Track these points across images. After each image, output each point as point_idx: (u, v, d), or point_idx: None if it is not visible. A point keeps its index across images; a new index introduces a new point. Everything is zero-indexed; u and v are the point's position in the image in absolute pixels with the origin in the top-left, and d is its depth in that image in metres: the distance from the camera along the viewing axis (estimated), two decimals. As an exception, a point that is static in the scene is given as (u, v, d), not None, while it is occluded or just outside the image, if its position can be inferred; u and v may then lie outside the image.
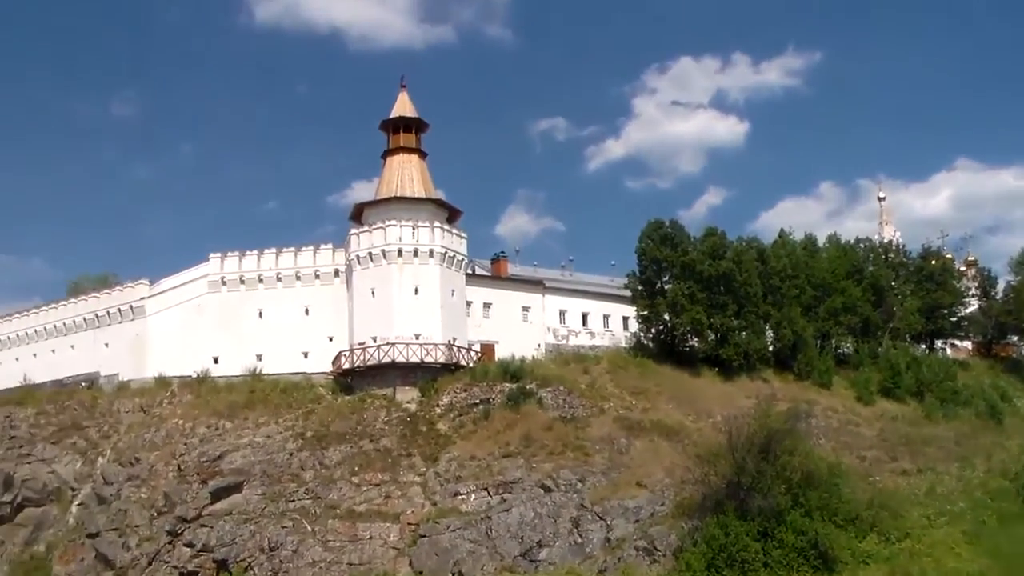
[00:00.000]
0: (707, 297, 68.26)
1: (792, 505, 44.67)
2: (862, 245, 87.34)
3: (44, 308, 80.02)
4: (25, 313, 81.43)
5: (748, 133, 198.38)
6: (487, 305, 69.35)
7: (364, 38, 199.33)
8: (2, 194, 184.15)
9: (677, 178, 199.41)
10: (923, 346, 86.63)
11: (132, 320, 71.94)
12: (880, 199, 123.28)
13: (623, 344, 72.60)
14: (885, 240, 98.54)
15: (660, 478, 51.54)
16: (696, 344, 69.89)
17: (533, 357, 67.13)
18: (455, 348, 63.74)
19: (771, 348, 72.88)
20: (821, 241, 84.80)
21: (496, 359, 65.49)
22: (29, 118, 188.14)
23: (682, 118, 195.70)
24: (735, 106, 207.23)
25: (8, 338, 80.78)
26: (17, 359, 79.12)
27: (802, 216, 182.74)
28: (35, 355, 78.17)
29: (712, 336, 69.32)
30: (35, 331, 78.99)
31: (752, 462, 45.66)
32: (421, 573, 48.95)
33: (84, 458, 64.30)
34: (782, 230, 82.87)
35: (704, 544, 44.92)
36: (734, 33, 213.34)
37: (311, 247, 69.96)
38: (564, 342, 71.93)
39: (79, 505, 61.25)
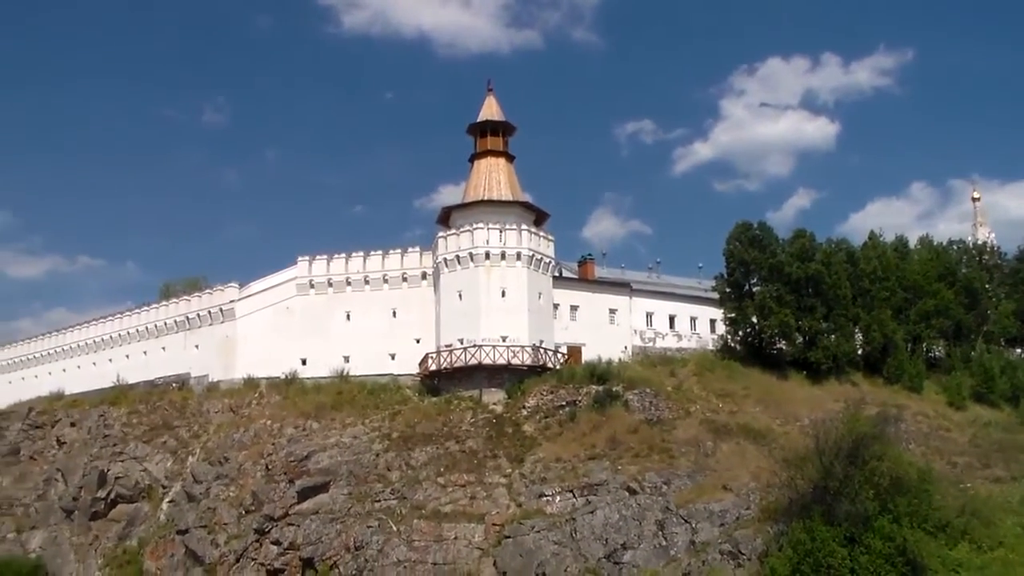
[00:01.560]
0: (795, 299, 67.68)
1: (880, 511, 43.76)
2: (955, 247, 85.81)
3: (137, 311, 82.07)
4: (119, 316, 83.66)
5: (838, 134, 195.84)
6: (574, 307, 69.21)
7: (451, 44, 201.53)
8: (97, 200, 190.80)
9: (765, 180, 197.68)
10: (1018, 350, 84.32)
11: (222, 322, 73.46)
12: (974, 199, 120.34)
13: (710, 347, 72.22)
14: (979, 241, 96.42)
15: (746, 482, 50.92)
16: (784, 347, 69.29)
17: (620, 359, 66.99)
18: (542, 350, 63.78)
19: (860, 351, 71.92)
20: (912, 243, 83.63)
21: (583, 361, 65.39)
22: (123, 125, 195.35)
23: (771, 119, 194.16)
24: (825, 107, 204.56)
25: (102, 340, 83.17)
26: (111, 360, 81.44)
27: (893, 218, 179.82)
28: (128, 356, 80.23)
29: (800, 339, 68.65)
30: (128, 333, 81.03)
31: (840, 466, 44.90)
32: (505, 574, 48.97)
33: (175, 457, 65.94)
34: (872, 232, 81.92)
35: (790, 549, 44.19)
36: (824, 32, 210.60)
37: (398, 250, 70.56)
38: (651, 344, 71.62)
39: (170, 502, 62.87)
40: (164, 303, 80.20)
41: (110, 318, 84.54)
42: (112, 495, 65.30)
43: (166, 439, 67.57)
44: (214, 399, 69.37)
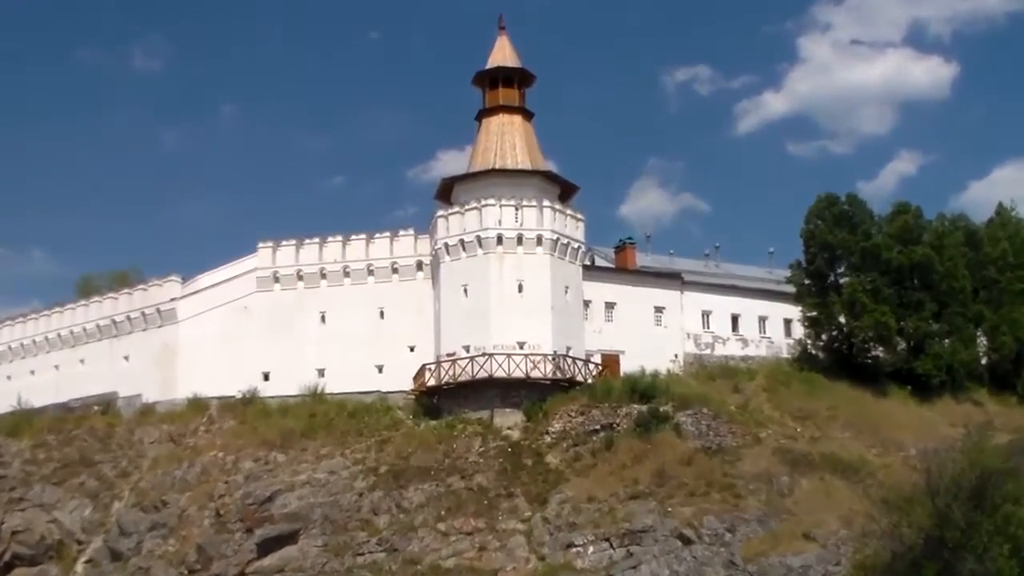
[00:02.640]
0: (896, 294, 67.86)
1: (1020, 572, 42.75)
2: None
3: (46, 313, 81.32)
4: (21, 319, 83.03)
5: (955, 78, 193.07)
6: (610, 305, 69.27)
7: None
8: None
9: (857, 140, 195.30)
10: None
11: (159, 327, 72.94)
12: None
13: (784, 354, 72.58)
14: None
15: (834, 529, 50.36)
16: (881, 355, 69.29)
17: (668, 371, 67.04)
18: (569, 360, 63.54)
19: (985, 361, 72.12)
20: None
21: (621, 373, 65.31)
22: (25, 74, 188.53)
23: (865, 61, 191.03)
24: (938, 43, 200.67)
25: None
26: (9, 377, 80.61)
27: None
28: (32, 372, 79.65)
29: (903, 344, 68.80)
30: (34, 342, 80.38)
31: (960, 511, 43.78)
32: (525, 649, 48.99)
33: (95, 502, 64.82)
34: (1001, 205, 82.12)
35: (895, 619, 43.47)
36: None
37: (387, 234, 70.71)
38: (708, 352, 71.83)
39: (87, 563, 61.86)
40: (83, 302, 79.52)
41: (8, 322, 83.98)
42: (8, 555, 64.02)
43: (84, 480, 66.50)
44: (149, 426, 68.75)
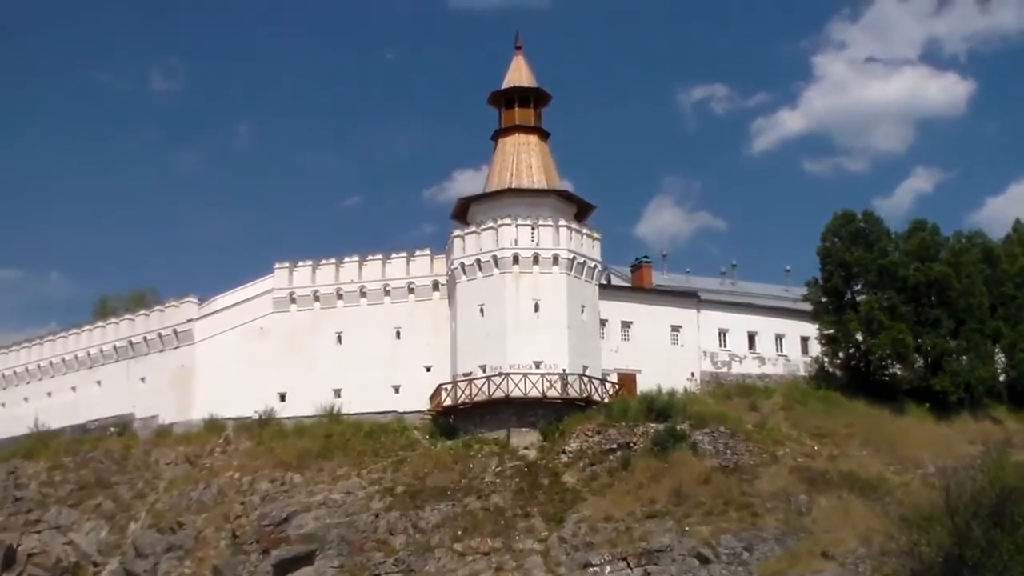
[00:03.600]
0: (914, 311, 67.52)
1: None
2: None
3: (63, 335, 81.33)
4: (38, 341, 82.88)
5: (972, 95, 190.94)
6: (626, 324, 69.11)
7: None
8: (11, 191, 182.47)
9: (873, 157, 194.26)
10: None
11: (176, 348, 72.90)
12: None
13: (802, 372, 72.22)
14: None
15: (853, 547, 50.11)
16: (899, 372, 69.04)
17: (685, 390, 66.77)
18: (586, 379, 63.32)
19: (1003, 377, 71.64)
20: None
21: (638, 392, 64.96)
22: (44, 95, 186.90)
23: (881, 79, 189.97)
24: (954, 60, 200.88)
25: (16, 373, 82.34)
26: (27, 399, 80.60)
27: None
28: (50, 394, 79.47)
29: (921, 362, 68.56)
30: (51, 364, 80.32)
31: (980, 529, 43.52)
32: (542, 669, 48.66)
33: (111, 524, 64.76)
34: (1018, 221, 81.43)
35: (915, 639, 43.12)
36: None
37: (403, 254, 70.50)
38: (725, 370, 71.48)
39: (103, 585, 61.99)
40: (100, 324, 79.43)
41: (26, 344, 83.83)
42: (24, 578, 64.51)
43: (100, 501, 66.42)
44: (165, 447, 68.77)
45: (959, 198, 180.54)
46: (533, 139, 70.00)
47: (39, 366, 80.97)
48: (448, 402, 63.54)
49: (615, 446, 59.16)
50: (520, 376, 61.63)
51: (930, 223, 71.26)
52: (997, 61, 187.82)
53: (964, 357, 68.21)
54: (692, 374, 69.37)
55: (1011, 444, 56.36)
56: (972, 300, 68.14)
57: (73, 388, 78.18)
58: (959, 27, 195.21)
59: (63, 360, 79.46)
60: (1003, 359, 71.73)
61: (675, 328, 70.43)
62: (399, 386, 67.07)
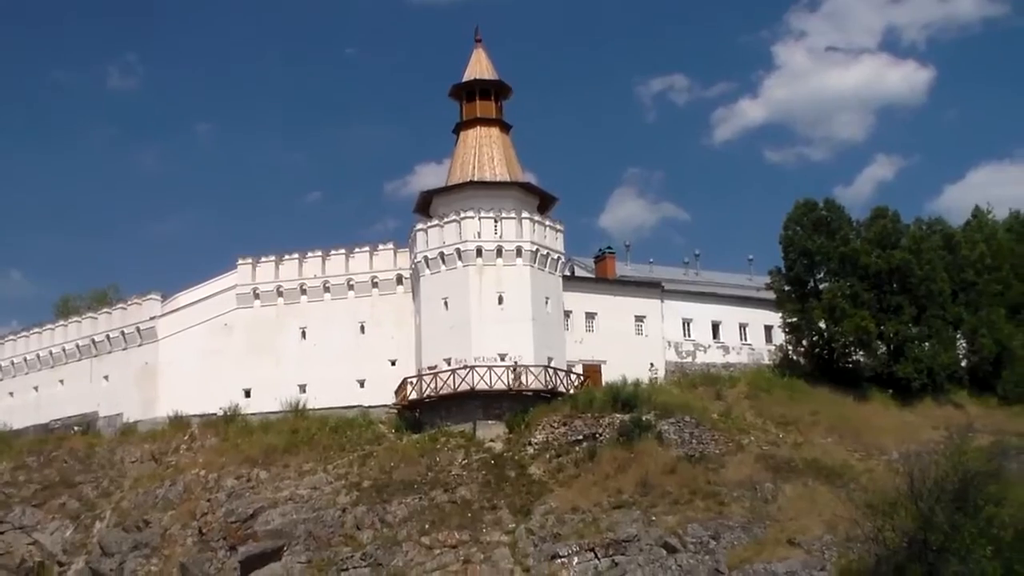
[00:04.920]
0: (876, 298, 67.75)
1: (1004, 573, 42.83)
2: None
3: (24, 334, 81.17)
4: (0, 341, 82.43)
5: (931, 83, 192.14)
6: (590, 315, 69.27)
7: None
8: None
9: (834, 146, 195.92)
10: None
11: (140, 346, 72.81)
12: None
13: (766, 361, 72.46)
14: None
15: (818, 534, 50.34)
16: (862, 359, 69.27)
17: (650, 380, 66.69)
18: (551, 371, 63.41)
19: (965, 363, 71.96)
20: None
21: (603, 383, 65.17)
22: (1, 94, 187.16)
23: (841, 67, 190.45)
24: (914, 48, 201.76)
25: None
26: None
27: (1005, 188, 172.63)
28: (12, 394, 79.44)
29: (883, 348, 68.58)
30: (12, 363, 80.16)
31: (944, 514, 43.96)
32: (511, 660, 48.74)
33: (76, 523, 64.43)
34: (977, 207, 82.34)
35: (881, 623, 43.39)
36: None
37: (366, 248, 70.66)
38: (689, 360, 71.68)
39: (69, 584, 61.57)
40: (62, 322, 79.36)
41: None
42: (-13, 579, 64.16)
43: (64, 500, 66.17)
44: (130, 445, 68.52)
45: (919, 185, 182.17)
46: (495, 132, 70.01)
47: (1, 366, 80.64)
48: (414, 396, 63.45)
49: (581, 437, 59.17)
50: (486, 369, 61.69)
51: (891, 210, 71.58)
52: (956, 49, 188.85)
53: (926, 343, 68.46)
54: (652, 364, 69.23)
55: (973, 429, 56.61)
56: (933, 287, 68.39)
57: (36, 388, 78.04)
58: (917, 15, 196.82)
59: (25, 360, 79.31)
60: (964, 345, 72.05)
61: (639, 319, 70.65)
62: (364, 380, 67.10)
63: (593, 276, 75.33)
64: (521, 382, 62.05)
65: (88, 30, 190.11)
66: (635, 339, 70.01)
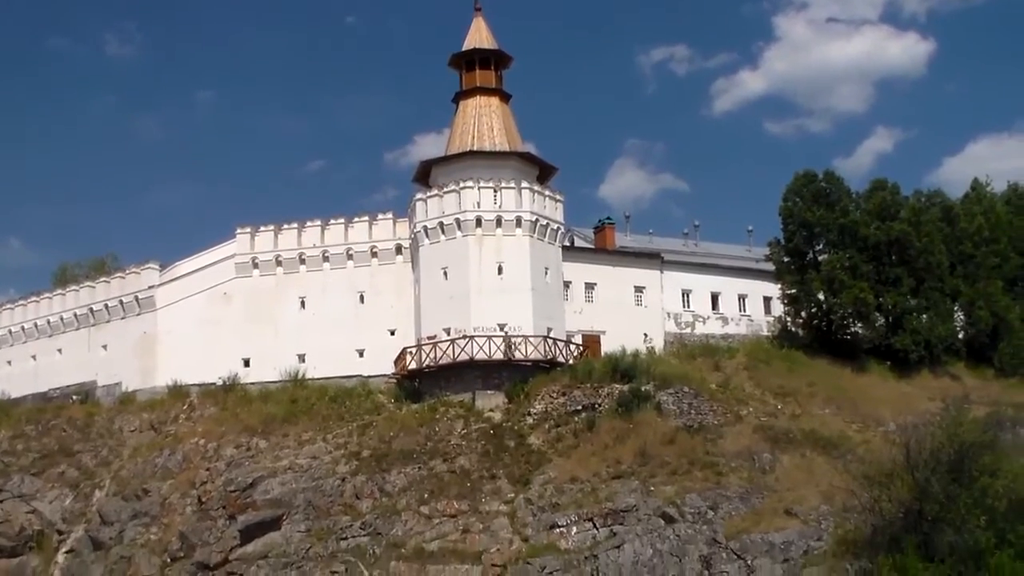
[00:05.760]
0: (874, 270, 67.99)
1: (997, 543, 42.69)
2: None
3: (22, 303, 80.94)
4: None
5: (932, 55, 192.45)
6: (590, 286, 69.45)
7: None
8: None
9: (834, 118, 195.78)
10: None
11: (138, 315, 72.73)
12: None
13: (764, 332, 72.80)
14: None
15: (815, 505, 50.36)
16: (860, 331, 69.47)
17: (649, 350, 67.01)
18: (550, 341, 63.51)
19: (962, 335, 72.23)
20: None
21: (602, 354, 65.42)
22: None
23: (842, 38, 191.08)
24: (914, 19, 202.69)
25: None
26: (-13, 369, 79.96)
27: (1004, 161, 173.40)
28: (10, 363, 79.40)
29: (882, 320, 68.82)
30: (11, 332, 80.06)
31: (939, 485, 43.88)
32: (509, 627, 48.73)
33: (76, 492, 64.34)
34: (976, 180, 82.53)
35: (875, 592, 43.53)
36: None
37: (365, 218, 70.58)
38: (688, 330, 71.94)
39: (68, 552, 61.24)
40: (60, 291, 79.05)
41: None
42: (-13, 547, 64.09)
43: (63, 469, 66.10)
44: (129, 414, 68.54)
45: (918, 158, 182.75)
46: (494, 101, 70.00)
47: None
48: (413, 365, 63.56)
49: (580, 407, 59.39)
50: (485, 339, 61.76)
51: (890, 183, 71.69)
52: (957, 21, 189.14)
53: (924, 315, 68.72)
54: (646, 335, 69.18)
55: (969, 400, 56.34)
56: (931, 259, 68.64)
57: (34, 356, 77.94)
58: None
59: (23, 328, 79.16)
60: (962, 317, 72.30)
61: (639, 289, 70.81)
62: (363, 350, 67.27)
63: (593, 247, 75.39)
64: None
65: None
66: (634, 310, 70.19)
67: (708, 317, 72.84)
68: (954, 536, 43.05)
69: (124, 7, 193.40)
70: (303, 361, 67.34)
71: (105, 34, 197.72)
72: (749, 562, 47.73)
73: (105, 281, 75.88)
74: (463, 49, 70.74)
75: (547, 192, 67.20)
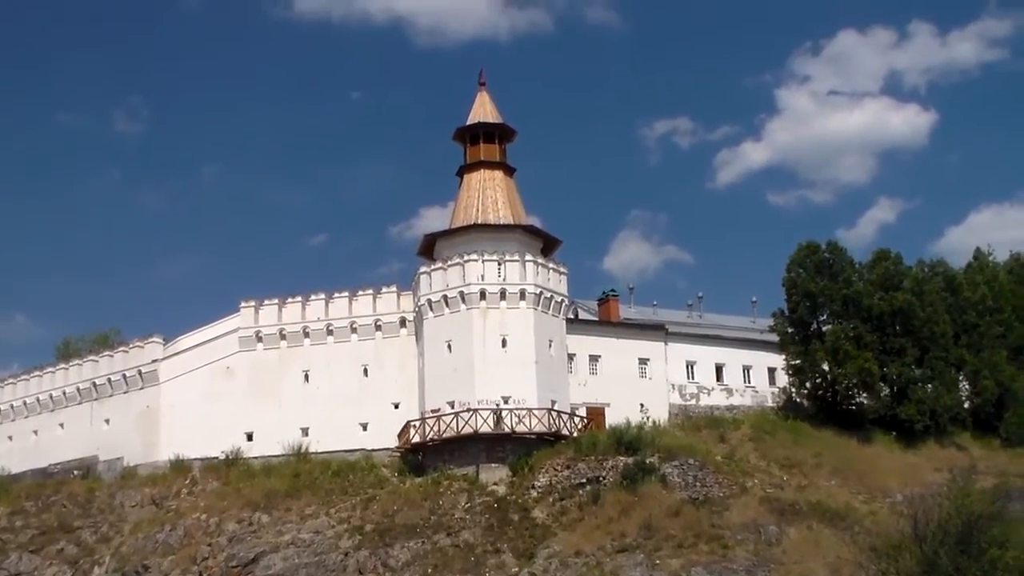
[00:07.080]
0: (879, 340, 67.80)
1: None
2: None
3: (24, 377, 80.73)
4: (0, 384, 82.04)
5: (933, 126, 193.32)
6: (594, 358, 69.26)
7: (434, 30, 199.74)
8: None
9: (837, 189, 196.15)
10: None
11: (141, 389, 72.59)
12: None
13: (769, 403, 72.53)
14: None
15: None
16: (866, 401, 69.20)
17: (654, 423, 66.55)
18: (554, 414, 63.23)
19: (967, 405, 71.74)
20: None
21: (607, 426, 65.05)
22: (6, 137, 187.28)
23: (843, 111, 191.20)
24: (915, 92, 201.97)
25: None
26: (-13, 444, 79.51)
27: (1006, 231, 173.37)
28: (11, 438, 79.02)
29: (887, 391, 68.56)
30: (12, 407, 79.72)
31: (948, 557, 43.33)
32: None
33: (75, 569, 63.75)
34: (979, 250, 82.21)
35: (886, 667, 43.04)
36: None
37: (370, 291, 70.57)
38: (693, 402, 71.53)
39: (67, 633, 61.14)
40: (63, 366, 78.99)
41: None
42: (-17, 629, 63.60)
43: (63, 546, 65.48)
44: (131, 489, 68.13)
45: (921, 228, 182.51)
46: (498, 174, 70.12)
47: (0, 410, 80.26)
48: (416, 439, 63.27)
49: (584, 480, 58.90)
50: (489, 412, 61.55)
51: (893, 252, 71.73)
52: (957, 93, 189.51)
53: (929, 385, 68.44)
54: (642, 404, 68.26)
55: (976, 471, 56.14)
56: (935, 328, 68.49)
57: (35, 432, 77.65)
58: (919, 60, 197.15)
59: (24, 403, 78.92)
60: (967, 386, 71.86)
61: (643, 361, 70.58)
62: (367, 423, 66.95)
63: (597, 319, 75.32)
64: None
65: (93, 73, 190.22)
66: (639, 382, 69.92)
67: (713, 388, 72.47)
68: (963, 609, 42.78)
69: (132, 83, 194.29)
70: (306, 435, 66.90)
71: (113, 110, 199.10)
72: (757, 636, 47.50)
73: (108, 355, 75.84)
74: (467, 123, 71.01)
75: (551, 265, 67.25)
